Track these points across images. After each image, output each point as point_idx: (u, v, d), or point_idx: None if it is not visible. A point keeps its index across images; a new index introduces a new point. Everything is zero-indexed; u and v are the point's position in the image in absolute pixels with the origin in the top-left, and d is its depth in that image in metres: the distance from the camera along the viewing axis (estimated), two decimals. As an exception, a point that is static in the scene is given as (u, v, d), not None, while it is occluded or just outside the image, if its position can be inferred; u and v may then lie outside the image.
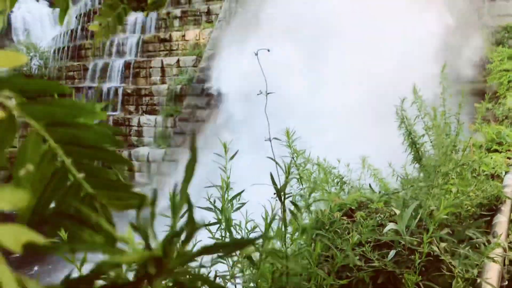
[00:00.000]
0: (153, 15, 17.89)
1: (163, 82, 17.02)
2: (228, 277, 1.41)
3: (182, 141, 14.98)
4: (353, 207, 2.48)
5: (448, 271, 1.75)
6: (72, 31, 20.73)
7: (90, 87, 18.37)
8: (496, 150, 3.91)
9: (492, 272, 1.75)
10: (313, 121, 9.75)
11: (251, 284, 1.37)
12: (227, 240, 1.56)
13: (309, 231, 1.61)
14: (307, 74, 11.50)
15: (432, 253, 1.78)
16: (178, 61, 16.85)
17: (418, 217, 2.03)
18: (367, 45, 10.64)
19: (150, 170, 15.63)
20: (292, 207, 1.39)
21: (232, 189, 1.68)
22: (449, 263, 1.76)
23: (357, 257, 1.75)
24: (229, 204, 1.64)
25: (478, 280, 1.71)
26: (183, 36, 17.20)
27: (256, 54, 1.63)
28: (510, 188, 2.91)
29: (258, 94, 1.59)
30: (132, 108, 17.31)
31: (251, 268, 1.38)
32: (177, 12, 17.72)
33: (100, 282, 0.35)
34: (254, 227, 1.66)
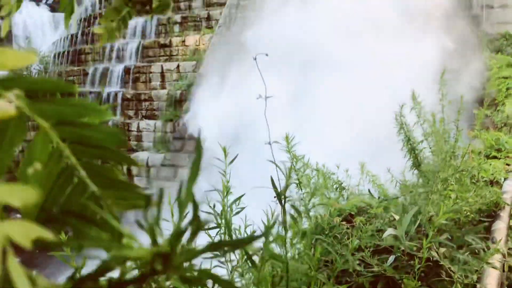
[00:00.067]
0: (153, 20, 17.95)
1: (163, 87, 17.04)
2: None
3: (181, 146, 14.98)
4: (352, 213, 2.48)
5: (448, 276, 1.75)
6: (72, 36, 20.77)
7: (90, 92, 18.38)
8: (495, 157, 3.92)
9: (492, 278, 1.75)
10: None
11: (251, 288, 1.37)
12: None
13: (309, 236, 1.61)
14: (292, 115, 10.06)
15: (431, 258, 1.78)
16: (178, 66, 16.89)
17: (418, 222, 2.03)
18: (358, 76, 9.64)
19: (149, 174, 15.61)
20: (292, 211, 1.39)
21: (231, 193, 1.69)
22: (449, 268, 1.76)
23: (357, 262, 1.75)
24: (229, 208, 1.65)
25: (478, 286, 1.71)
26: (183, 41, 17.25)
27: (255, 59, 1.64)
28: (509, 194, 2.91)
29: (257, 98, 1.59)
30: (131, 113, 17.32)
31: (251, 273, 1.38)
32: (177, 17, 17.78)
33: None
34: (253, 232, 1.66)
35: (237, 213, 1.66)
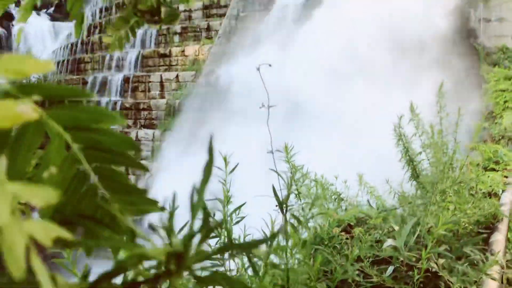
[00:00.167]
0: (153, 30, 18.05)
1: (162, 97, 17.09)
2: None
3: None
4: (351, 223, 2.49)
5: (447, 287, 1.75)
6: (72, 45, 20.86)
7: (88, 101, 18.39)
8: (493, 169, 3.94)
9: (490, 289, 1.75)
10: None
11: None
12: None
13: (308, 246, 1.62)
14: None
15: (430, 269, 1.79)
16: (177, 76, 16.95)
17: (416, 233, 2.04)
18: (346, 128, 8.50)
19: (148, 184, 15.57)
20: (292, 220, 1.40)
21: (231, 202, 1.70)
22: (447, 279, 1.76)
23: (356, 273, 1.76)
24: (229, 218, 1.65)
25: (476, 297, 1.72)
26: (183, 51, 17.33)
27: (258, 70, 1.65)
28: (507, 206, 2.93)
29: (260, 108, 1.61)
30: (130, 122, 17.34)
31: (251, 281, 1.38)
32: (177, 28, 17.89)
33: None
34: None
35: (237, 222, 1.67)
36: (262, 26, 13.21)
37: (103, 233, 0.38)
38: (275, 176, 1.74)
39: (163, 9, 0.76)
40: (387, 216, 2.44)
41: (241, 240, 1.72)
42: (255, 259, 1.19)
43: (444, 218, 2.00)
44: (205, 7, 17.68)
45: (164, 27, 17.19)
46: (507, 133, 6.44)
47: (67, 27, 23.59)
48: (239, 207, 1.59)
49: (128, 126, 17.42)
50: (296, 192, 2.46)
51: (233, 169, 1.66)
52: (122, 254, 0.36)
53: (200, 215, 0.39)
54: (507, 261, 2.33)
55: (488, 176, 3.44)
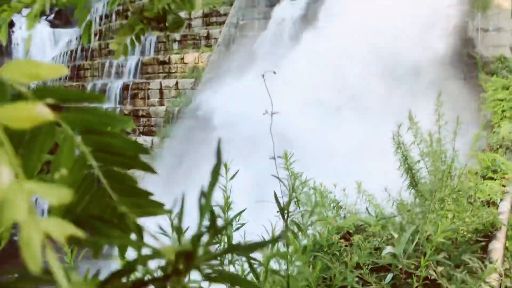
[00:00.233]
0: (152, 38, 18.12)
1: (161, 104, 17.12)
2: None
3: (178, 163, 14.97)
4: (350, 231, 2.49)
5: (445, 295, 1.76)
6: (72, 51, 20.93)
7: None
8: (491, 178, 3.95)
9: (489, 297, 1.75)
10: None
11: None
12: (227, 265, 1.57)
13: (308, 253, 1.62)
14: (261, 215, 7.61)
15: (429, 277, 1.79)
16: (176, 83, 17.00)
17: (415, 241, 2.05)
18: (337, 168, 7.30)
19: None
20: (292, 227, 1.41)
21: (232, 208, 1.70)
22: (446, 287, 1.77)
23: (355, 280, 1.76)
24: (229, 225, 1.66)
25: (475, 305, 1.72)
26: (182, 59, 17.40)
27: (263, 76, 1.67)
28: (505, 215, 2.94)
29: (264, 114, 1.62)
30: (129, 129, 17.35)
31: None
32: (177, 35, 17.97)
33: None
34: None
35: (237, 229, 1.67)
36: (257, 44, 12.80)
37: (113, 233, 0.39)
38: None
39: (168, 17, 0.78)
40: (386, 224, 2.45)
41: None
42: (255, 265, 1.20)
43: (443, 226, 2.01)
44: (205, 15, 17.77)
45: (162, 34, 17.25)
46: (505, 142, 6.47)
47: (67, 34, 23.67)
48: (239, 214, 1.60)
49: (127, 133, 17.43)
50: (295, 199, 2.47)
51: (233, 176, 1.67)
52: (128, 254, 0.37)
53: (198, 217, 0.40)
54: (505, 269, 2.34)
55: (487, 185, 3.45)
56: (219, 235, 1.66)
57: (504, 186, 3.73)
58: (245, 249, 0.37)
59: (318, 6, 11.46)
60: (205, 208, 0.37)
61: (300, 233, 1.37)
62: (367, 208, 2.77)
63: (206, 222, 0.38)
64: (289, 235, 1.34)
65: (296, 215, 1.63)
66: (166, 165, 11.34)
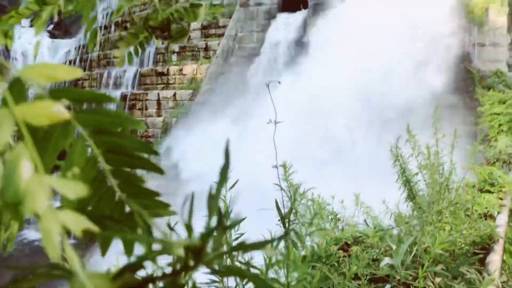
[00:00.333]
0: (151, 49, 18.21)
1: (158, 115, 17.16)
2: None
3: (174, 174, 14.95)
4: (348, 242, 2.50)
5: (443, 306, 1.76)
6: (70, 62, 21.01)
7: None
8: (488, 191, 3.97)
9: (487, 309, 1.76)
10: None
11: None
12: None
13: (306, 263, 1.63)
14: None
15: (427, 288, 1.80)
16: (174, 94, 17.06)
17: (413, 253, 2.05)
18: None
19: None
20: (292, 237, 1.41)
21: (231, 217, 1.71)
22: (444, 298, 1.77)
23: (353, 290, 1.76)
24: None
25: (473, 317, 1.72)
26: (181, 70, 17.48)
27: (268, 85, 1.69)
28: (503, 228, 2.94)
29: (268, 123, 1.64)
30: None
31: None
32: (175, 47, 18.08)
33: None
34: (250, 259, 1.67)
35: (236, 238, 1.67)
36: (250, 71, 12.50)
37: (122, 230, 0.40)
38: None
39: (172, 26, 0.80)
40: (384, 236, 2.46)
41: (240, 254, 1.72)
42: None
43: (441, 238, 2.02)
44: (204, 27, 17.90)
45: (161, 46, 17.32)
46: (502, 156, 6.51)
47: (65, 44, 23.74)
48: (239, 222, 1.60)
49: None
50: (294, 210, 2.47)
51: (233, 185, 1.68)
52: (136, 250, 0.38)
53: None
54: (502, 282, 2.34)
55: (484, 198, 3.47)
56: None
57: (501, 199, 3.74)
58: (251, 247, 0.39)
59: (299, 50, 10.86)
60: (214, 206, 0.38)
61: (301, 241, 1.38)
62: (365, 220, 2.78)
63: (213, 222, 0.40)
64: (289, 243, 1.35)
65: (295, 225, 1.63)
66: None
